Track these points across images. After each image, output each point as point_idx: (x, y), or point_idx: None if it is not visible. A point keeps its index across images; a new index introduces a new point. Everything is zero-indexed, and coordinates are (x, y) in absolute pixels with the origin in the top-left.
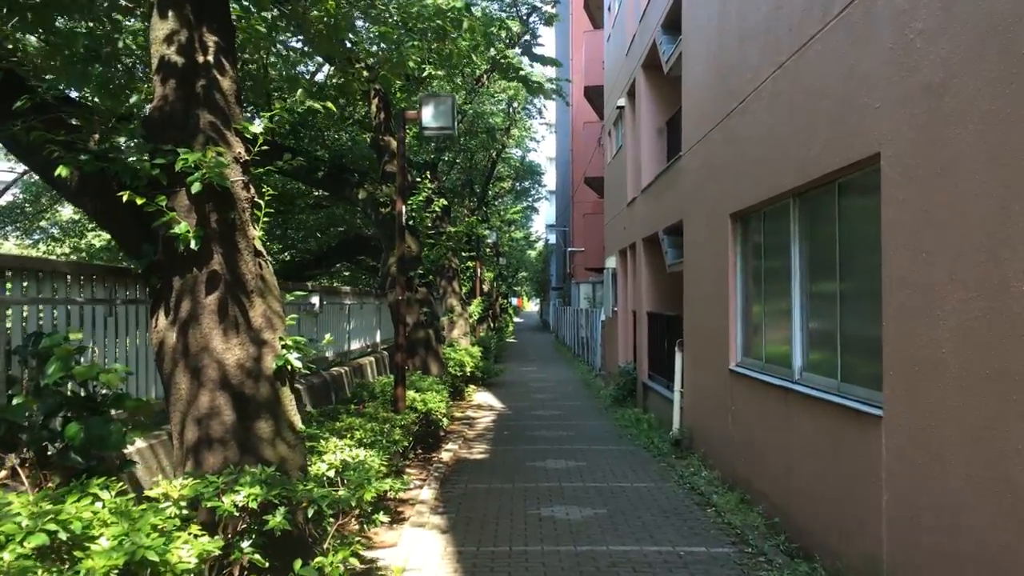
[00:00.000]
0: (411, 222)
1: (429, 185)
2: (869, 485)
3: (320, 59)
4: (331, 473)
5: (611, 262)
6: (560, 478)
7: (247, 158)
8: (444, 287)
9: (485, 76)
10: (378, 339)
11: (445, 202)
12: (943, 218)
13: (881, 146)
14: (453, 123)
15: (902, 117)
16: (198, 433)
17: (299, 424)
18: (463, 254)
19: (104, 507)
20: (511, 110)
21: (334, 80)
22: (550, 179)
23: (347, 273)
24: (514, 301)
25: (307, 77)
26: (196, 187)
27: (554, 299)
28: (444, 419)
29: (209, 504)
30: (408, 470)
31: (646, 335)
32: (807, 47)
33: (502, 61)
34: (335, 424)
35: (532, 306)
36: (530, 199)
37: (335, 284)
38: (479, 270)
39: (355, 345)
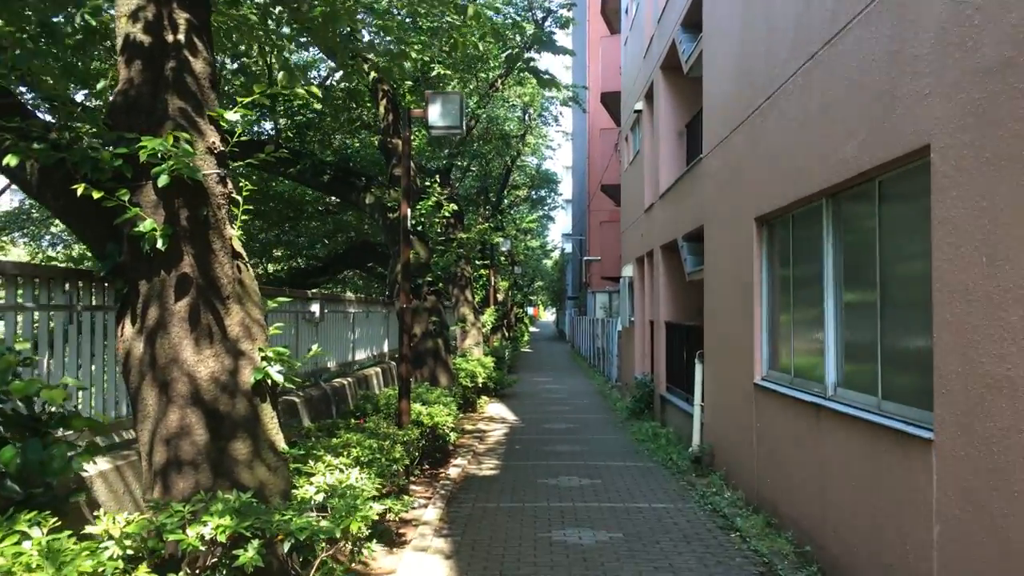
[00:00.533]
0: (420, 227)
1: (439, 190)
2: (917, 515)
3: (331, 64)
4: (319, 497)
5: (628, 271)
6: (574, 497)
7: (222, 149)
8: (456, 296)
9: (500, 81)
10: (386, 349)
11: (456, 207)
12: (1008, 215)
13: (931, 137)
14: (461, 122)
15: (957, 103)
16: (167, 455)
17: (281, 444)
18: (476, 262)
19: (32, 547)
20: (527, 117)
21: (342, 84)
22: (566, 188)
23: (360, 282)
24: (530, 311)
25: (315, 82)
26: (163, 180)
27: (570, 308)
28: (451, 434)
29: (171, 537)
30: (413, 487)
31: (664, 346)
32: (843, 34)
33: (513, 51)
34: (331, 440)
35: (548, 315)
36: (546, 208)
37: (341, 291)
38: (493, 279)
39: (360, 355)
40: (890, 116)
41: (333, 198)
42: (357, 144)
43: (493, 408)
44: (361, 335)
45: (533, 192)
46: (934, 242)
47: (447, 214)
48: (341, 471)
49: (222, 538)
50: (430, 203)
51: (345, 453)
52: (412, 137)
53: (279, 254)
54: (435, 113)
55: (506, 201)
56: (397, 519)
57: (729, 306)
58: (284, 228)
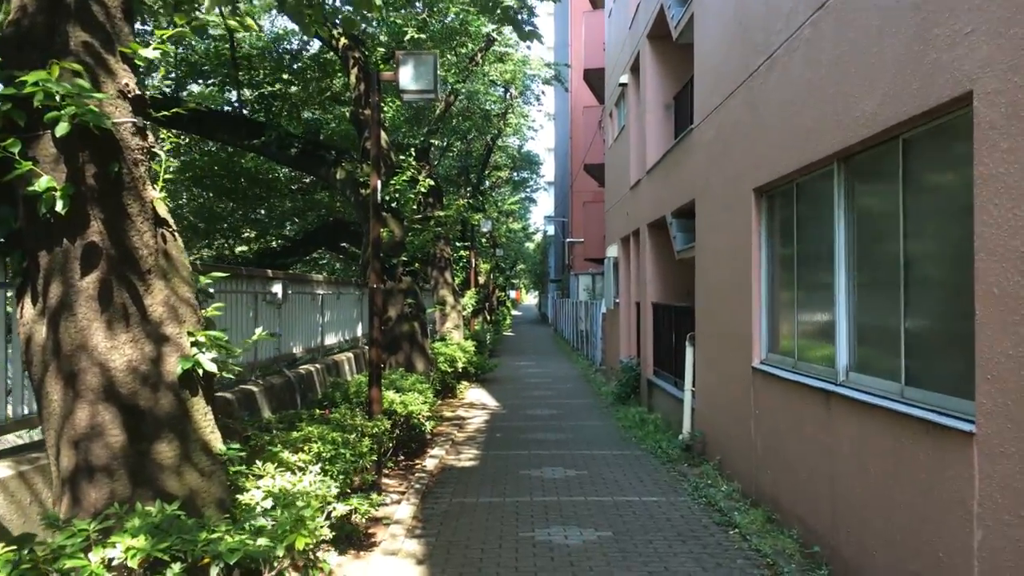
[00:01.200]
0: (393, 204)
1: (414, 164)
2: (952, 518)
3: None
4: (268, 503)
5: (612, 251)
6: (558, 490)
7: (139, 93)
8: (435, 278)
9: (479, 55)
10: (359, 333)
11: (432, 183)
12: None
13: (974, 82)
14: (435, 85)
15: (1009, 41)
16: (75, 459)
17: (217, 444)
18: (456, 243)
19: None
20: (508, 95)
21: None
22: (549, 170)
23: (338, 264)
24: (512, 294)
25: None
26: (62, 128)
27: (552, 291)
28: (426, 423)
29: (68, 563)
30: (386, 480)
31: (651, 328)
32: None
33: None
34: (291, 434)
35: (531, 299)
36: (528, 190)
37: (312, 272)
38: (473, 260)
39: (331, 340)
40: (921, 63)
41: (309, 177)
42: (332, 120)
43: (474, 394)
44: (332, 318)
45: (515, 174)
46: (977, 204)
47: (423, 190)
48: (295, 472)
49: (134, 563)
50: (404, 178)
51: (305, 449)
52: (386, 108)
53: (251, 235)
54: (407, 76)
55: (487, 183)
56: (364, 520)
57: (724, 285)
58: (253, 207)
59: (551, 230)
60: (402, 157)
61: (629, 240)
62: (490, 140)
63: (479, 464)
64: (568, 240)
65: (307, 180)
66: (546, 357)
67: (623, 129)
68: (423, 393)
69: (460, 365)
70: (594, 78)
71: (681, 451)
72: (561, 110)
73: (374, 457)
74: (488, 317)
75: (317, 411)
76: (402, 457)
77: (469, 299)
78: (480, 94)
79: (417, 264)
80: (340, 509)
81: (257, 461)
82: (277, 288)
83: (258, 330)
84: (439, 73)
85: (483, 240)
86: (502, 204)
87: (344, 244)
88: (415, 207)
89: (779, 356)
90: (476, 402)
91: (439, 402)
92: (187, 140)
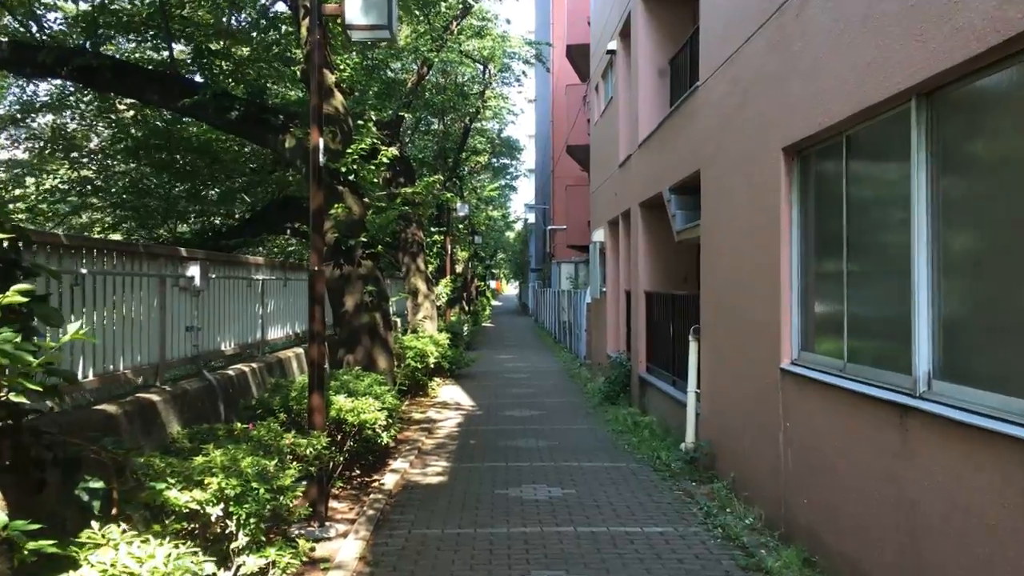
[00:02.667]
0: (352, 177)
1: (373, 129)
2: None
3: None
4: None
5: (598, 235)
6: (542, 518)
7: None
8: (407, 264)
9: (454, 23)
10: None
11: (396, 152)
12: None
13: None
14: (390, 20)
15: None
16: None
17: None
18: (432, 229)
19: None
20: (486, 73)
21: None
22: (529, 156)
23: (303, 250)
24: (492, 284)
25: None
26: None
27: (533, 281)
28: (384, 434)
29: None
30: (334, 504)
31: (643, 320)
32: None
33: None
34: (193, 462)
35: (511, 289)
36: (508, 177)
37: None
38: (449, 247)
39: (276, 333)
40: None
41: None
42: (280, 81)
43: (447, 392)
44: (276, 309)
45: (495, 160)
46: None
47: (385, 160)
48: (150, 540)
49: None
50: (363, 146)
51: (205, 483)
52: (342, 66)
53: (200, 213)
54: (354, 7)
55: (466, 168)
56: (303, 559)
57: (740, 268)
58: (201, 185)
59: (532, 218)
60: (360, 122)
61: (618, 223)
62: (468, 121)
63: (448, 480)
64: (550, 227)
65: (265, 154)
66: (527, 350)
67: (611, 102)
68: (382, 397)
69: (432, 360)
70: (578, 55)
71: (684, 464)
72: (542, 94)
73: (299, 492)
74: (466, 307)
75: (239, 425)
76: (357, 472)
77: (444, 288)
78: (455, 64)
79: (380, 247)
80: (251, 565)
81: (95, 524)
82: (193, 271)
83: (72, 327)
84: (409, 36)
85: (460, 226)
86: (481, 191)
87: (296, 224)
88: (375, 180)
89: (818, 356)
90: (450, 401)
91: (407, 402)
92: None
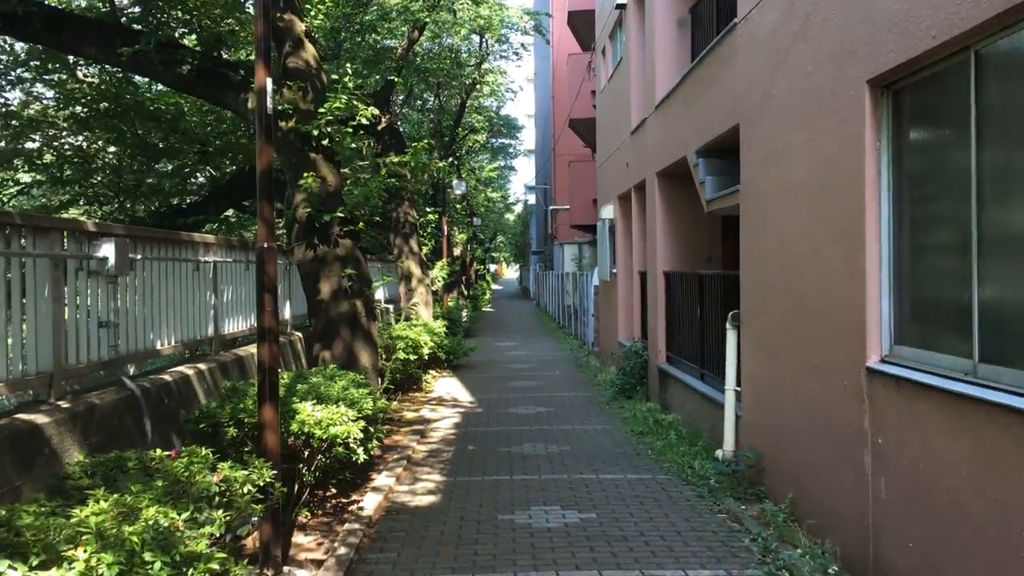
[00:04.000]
0: (326, 142)
1: (349, 85)
2: None
3: None
4: None
5: (607, 212)
6: (557, 555)
7: None
8: (399, 246)
9: None
10: (287, 316)
11: (376, 111)
12: None
13: None
14: None
15: None
16: None
17: None
18: (427, 208)
19: None
20: (484, 43)
21: None
22: (529, 136)
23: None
24: (492, 268)
25: None
26: None
27: (534, 264)
28: (359, 450)
29: None
30: (299, 539)
31: (663, 303)
32: None
33: None
34: (68, 516)
35: (511, 272)
36: (507, 157)
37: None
38: (446, 227)
39: (237, 326)
40: None
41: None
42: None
43: (444, 385)
44: (236, 297)
45: (493, 140)
46: None
47: (365, 120)
48: None
49: None
50: (337, 104)
51: (71, 556)
52: (311, 10)
53: (154, 189)
54: None
55: (464, 148)
56: None
57: (798, 241)
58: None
59: (532, 199)
60: (335, 77)
61: (630, 197)
62: (464, 95)
63: (441, 501)
64: (551, 208)
65: (241, 127)
66: (530, 336)
67: (620, 64)
68: (359, 403)
69: (426, 352)
70: (580, 22)
71: (724, 476)
72: (541, 70)
73: (220, 558)
74: (465, 292)
75: (159, 453)
76: (333, 491)
77: (440, 271)
78: (449, 25)
79: (363, 225)
80: None
81: None
82: (107, 250)
83: None
84: None
85: (458, 206)
86: (480, 172)
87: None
88: (353, 145)
89: (926, 353)
90: (446, 397)
91: (397, 400)
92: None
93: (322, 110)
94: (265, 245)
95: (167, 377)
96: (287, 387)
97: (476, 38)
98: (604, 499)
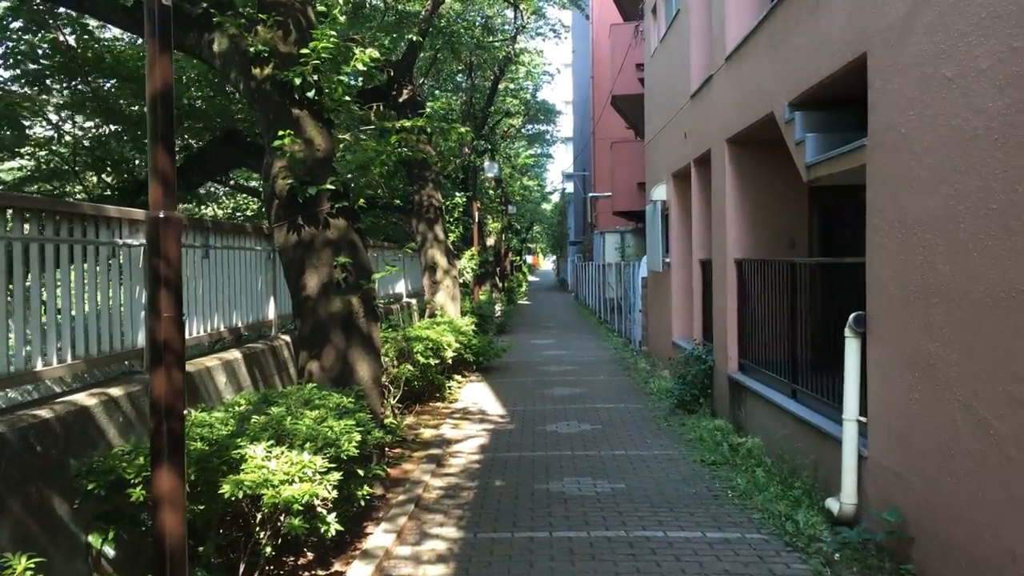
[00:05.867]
0: (312, 94)
1: (340, 19)
2: None
3: None
4: None
5: (659, 193)
6: None
7: None
8: (423, 233)
9: None
10: (271, 315)
11: (375, 53)
12: None
13: None
14: None
15: None
16: None
17: None
18: (456, 193)
19: None
20: (520, 15)
21: None
22: (566, 125)
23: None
24: (528, 259)
25: None
26: None
27: (572, 254)
28: (329, 517)
29: None
30: None
31: (734, 299)
32: None
33: None
34: None
35: (548, 264)
36: (544, 145)
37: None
38: (476, 212)
39: (198, 329)
40: None
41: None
42: None
43: (471, 392)
44: (189, 292)
45: (530, 126)
46: None
47: (361, 64)
48: None
49: None
50: (326, 44)
51: None
52: None
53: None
54: None
55: (498, 133)
56: None
57: (984, 210)
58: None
59: (570, 188)
60: (322, 9)
61: (689, 173)
62: (497, 71)
63: (455, 572)
64: (590, 195)
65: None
66: (569, 333)
67: (676, 17)
68: (339, 442)
69: (450, 354)
70: None
71: (854, 543)
72: (580, 49)
73: None
74: (500, 284)
75: None
76: (309, 556)
77: (469, 261)
78: None
79: (362, 200)
80: None
81: None
82: None
83: None
84: None
85: (490, 191)
86: (516, 159)
87: (242, 167)
88: (347, 98)
89: None
90: (472, 408)
91: (413, 413)
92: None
93: (305, 51)
94: (161, 215)
95: (45, 413)
96: (238, 420)
97: (510, 13)
98: (676, 569)
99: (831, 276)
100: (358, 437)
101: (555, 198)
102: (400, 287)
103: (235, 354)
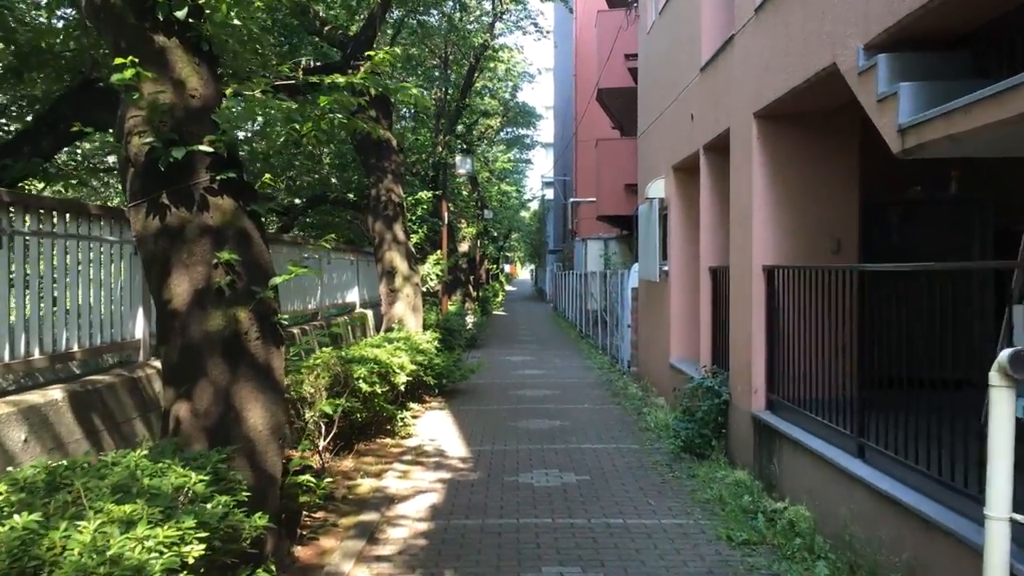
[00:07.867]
0: (182, 13)
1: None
2: None
3: None
4: None
5: (656, 190)
6: None
7: None
8: (379, 233)
9: None
10: (138, 332)
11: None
12: None
13: None
14: None
15: None
16: None
17: None
18: (426, 193)
19: None
20: (496, 3)
21: None
22: (547, 130)
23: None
24: (506, 267)
25: None
26: None
27: (551, 263)
28: None
29: None
30: None
31: (763, 317)
32: None
33: None
34: None
35: (525, 273)
36: (524, 148)
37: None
38: (445, 213)
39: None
40: None
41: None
42: None
43: (429, 424)
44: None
45: (509, 129)
46: None
47: None
48: None
49: None
50: None
51: None
52: None
53: None
54: None
55: (475, 132)
56: None
57: None
58: None
59: (549, 195)
60: None
61: (696, 164)
62: (473, 58)
63: None
64: (572, 200)
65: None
66: (547, 348)
67: None
68: (149, 567)
69: (402, 379)
70: None
71: None
72: (562, 45)
73: None
74: (475, 293)
75: None
76: None
77: (434, 266)
78: None
79: (268, 177)
80: None
81: None
82: None
83: None
84: None
85: (464, 192)
86: (493, 163)
87: (102, 124)
88: (235, 19)
89: None
90: (428, 448)
91: (347, 457)
92: None
93: None
94: None
95: None
96: None
97: (487, 5)
98: None
99: (938, 289)
100: (198, 550)
101: (534, 205)
102: (353, 295)
103: (53, 394)
